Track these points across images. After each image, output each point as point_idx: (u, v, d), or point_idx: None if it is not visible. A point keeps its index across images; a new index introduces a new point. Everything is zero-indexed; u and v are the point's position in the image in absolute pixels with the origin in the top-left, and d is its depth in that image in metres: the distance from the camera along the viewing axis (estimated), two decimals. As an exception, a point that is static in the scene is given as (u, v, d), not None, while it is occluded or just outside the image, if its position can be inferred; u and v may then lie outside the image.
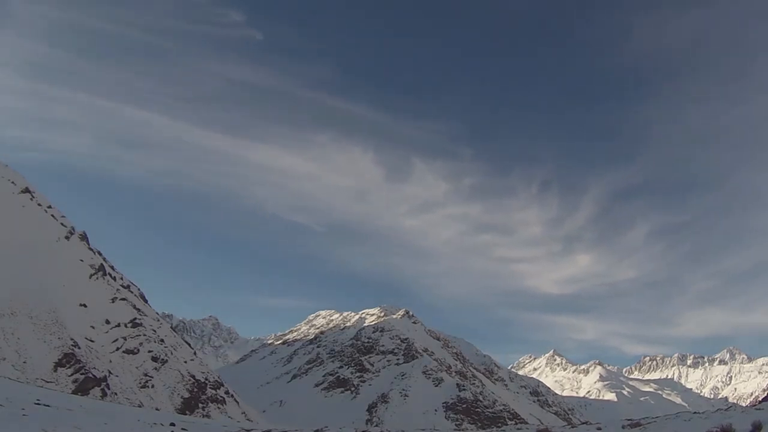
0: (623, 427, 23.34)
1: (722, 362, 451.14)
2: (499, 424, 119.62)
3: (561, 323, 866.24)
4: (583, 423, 43.01)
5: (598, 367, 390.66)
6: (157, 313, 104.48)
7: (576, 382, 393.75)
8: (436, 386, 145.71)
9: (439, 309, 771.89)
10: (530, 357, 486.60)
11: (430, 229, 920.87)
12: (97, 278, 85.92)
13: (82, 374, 64.59)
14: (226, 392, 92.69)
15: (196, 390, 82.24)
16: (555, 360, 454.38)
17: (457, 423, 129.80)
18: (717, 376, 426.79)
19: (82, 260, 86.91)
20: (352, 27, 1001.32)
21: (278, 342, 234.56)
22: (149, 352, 79.76)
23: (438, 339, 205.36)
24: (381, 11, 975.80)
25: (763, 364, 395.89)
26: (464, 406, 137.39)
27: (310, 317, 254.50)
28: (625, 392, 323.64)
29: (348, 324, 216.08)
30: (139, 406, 60.67)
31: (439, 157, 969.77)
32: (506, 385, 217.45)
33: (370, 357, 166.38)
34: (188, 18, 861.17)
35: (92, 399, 51.70)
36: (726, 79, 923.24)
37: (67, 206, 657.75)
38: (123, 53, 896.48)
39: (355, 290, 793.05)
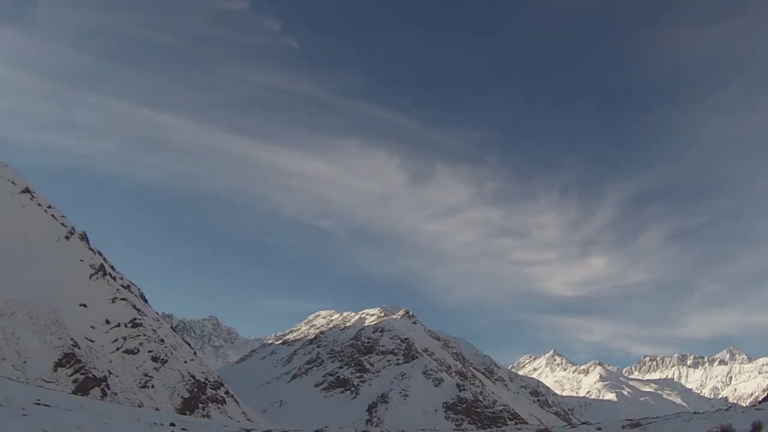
0: (623, 427, 23.33)
1: (722, 362, 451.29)
2: (499, 424, 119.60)
3: (570, 325, 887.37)
4: (583, 423, 43.00)
5: (598, 368, 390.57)
6: (157, 313, 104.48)
7: (576, 382, 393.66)
8: (436, 386, 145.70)
9: (450, 311, 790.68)
10: (530, 357, 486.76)
11: (449, 232, 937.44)
12: (97, 278, 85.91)
13: (82, 374, 64.58)
14: (226, 392, 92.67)
15: (196, 390, 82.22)
16: (555, 360, 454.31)
17: (457, 423, 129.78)
18: (717, 376, 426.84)
19: (82, 260, 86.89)
20: (384, 35, 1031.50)
21: (278, 342, 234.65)
22: (149, 352, 79.74)
23: (438, 339, 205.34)
24: (412, 21, 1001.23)
25: (763, 365, 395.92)
26: (464, 406, 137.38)
27: (310, 317, 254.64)
28: (625, 392, 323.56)
29: (348, 324, 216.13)
30: (139, 406, 60.67)
31: (463, 162, 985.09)
32: (506, 385, 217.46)
33: (370, 357, 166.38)
34: (223, 25, 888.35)
35: (92, 399, 51.71)
36: (746, 90, 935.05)
37: (80, 208, 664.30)
38: (152, 59, 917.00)
39: (366, 292, 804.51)
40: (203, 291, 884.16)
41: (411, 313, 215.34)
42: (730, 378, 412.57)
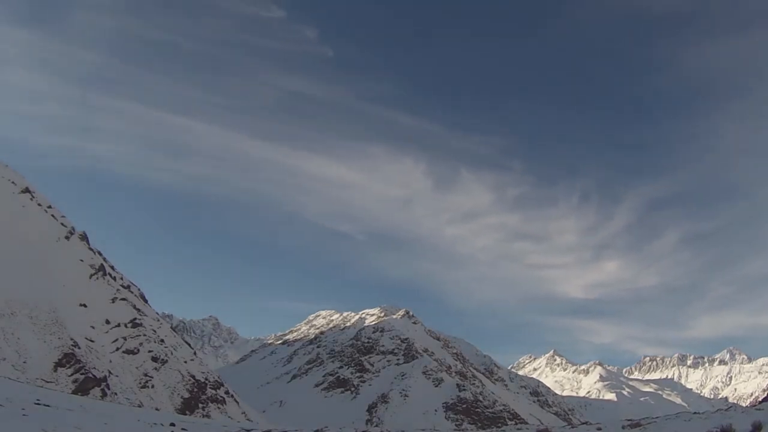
0: (623, 427, 23.32)
1: (722, 362, 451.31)
2: (499, 425, 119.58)
3: (579, 327, 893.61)
4: (583, 423, 43.00)
5: (598, 368, 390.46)
6: (157, 313, 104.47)
7: (576, 382, 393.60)
8: (436, 386, 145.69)
9: (463, 312, 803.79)
10: (530, 357, 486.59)
11: (468, 236, 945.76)
12: (97, 278, 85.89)
13: (82, 374, 64.56)
14: (226, 392, 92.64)
15: (196, 390, 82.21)
16: (555, 360, 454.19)
17: (457, 423, 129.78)
18: (717, 376, 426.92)
19: (82, 260, 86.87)
20: (416, 44, 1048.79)
21: (278, 342, 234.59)
22: (149, 352, 79.73)
23: (438, 339, 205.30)
24: (443, 29, 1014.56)
25: (763, 365, 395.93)
26: (464, 406, 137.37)
27: (310, 317, 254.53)
28: (625, 392, 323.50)
29: (348, 324, 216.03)
30: (139, 406, 60.66)
31: (488, 168, 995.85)
32: (506, 386, 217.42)
33: (370, 357, 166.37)
34: (256, 33, 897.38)
35: (92, 399, 51.71)
36: (763, 99, 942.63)
37: (84, 209, 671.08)
38: (178, 64, 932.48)
39: (378, 294, 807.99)
40: (203, 291, 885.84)
41: (411, 313, 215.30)
42: (730, 378, 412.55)
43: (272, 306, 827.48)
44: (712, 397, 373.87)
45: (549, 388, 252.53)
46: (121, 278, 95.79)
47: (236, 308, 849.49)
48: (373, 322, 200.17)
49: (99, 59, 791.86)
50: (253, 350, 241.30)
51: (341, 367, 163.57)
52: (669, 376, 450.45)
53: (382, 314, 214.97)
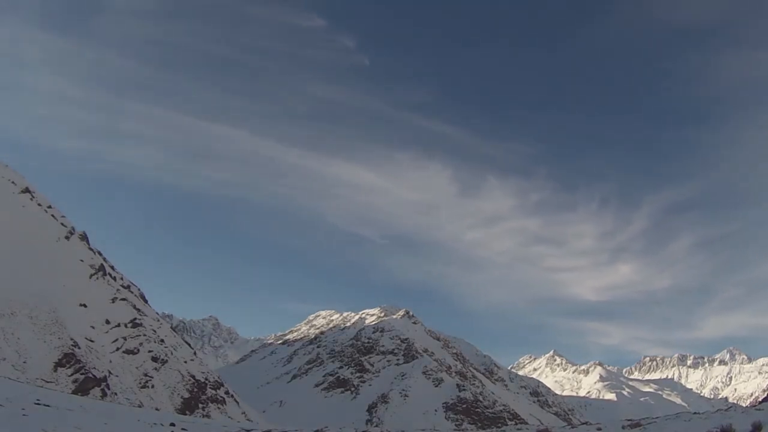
0: (623, 427, 23.32)
1: (722, 363, 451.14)
2: (499, 425, 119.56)
3: (589, 328, 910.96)
4: (583, 423, 42.99)
5: (598, 368, 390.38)
6: (157, 313, 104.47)
7: (576, 382, 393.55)
8: (436, 386, 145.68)
9: (472, 314, 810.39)
10: (530, 357, 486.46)
11: (487, 241, 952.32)
12: (97, 278, 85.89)
13: (82, 374, 64.55)
14: (226, 392, 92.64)
15: (196, 390, 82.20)
16: (555, 360, 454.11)
17: (457, 423, 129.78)
18: (717, 376, 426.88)
19: (82, 260, 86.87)
20: (447, 53, 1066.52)
21: (278, 342, 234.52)
22: (149, 352, 79.70)
23: (438, 339, 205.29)
24: (477, 40, 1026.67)
25: (763, 365, 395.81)
26: (464, 406, 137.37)
27: (310, 317, 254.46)
28: (625, 392, 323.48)
29: (348, 324, 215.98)
30: (139, 406, 60.65)
31: (513, 175, 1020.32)
32: (506, 386, 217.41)
33: (370, 357, 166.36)
34: (296, 42, 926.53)
35: (92, 399, 51.71)
36: None
37: (85, 209, 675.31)
38: (209, 70, 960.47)
39: (387, 295, 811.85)
40: (203, 291, 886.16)
41: (411, 313, 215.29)
42: (730, 378, 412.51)
43: (272, 306, 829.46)
44: (712, 397, 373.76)
45: (549, 388, 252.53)
46: (121, 278, 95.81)
47: (236, 308, 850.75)
48: (373, 322, 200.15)
49: (128, 64, 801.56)
50: (253, 350, 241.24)
51: (341, 367, 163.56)
52: (669, 377, 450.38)
53: (382, 314, 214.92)
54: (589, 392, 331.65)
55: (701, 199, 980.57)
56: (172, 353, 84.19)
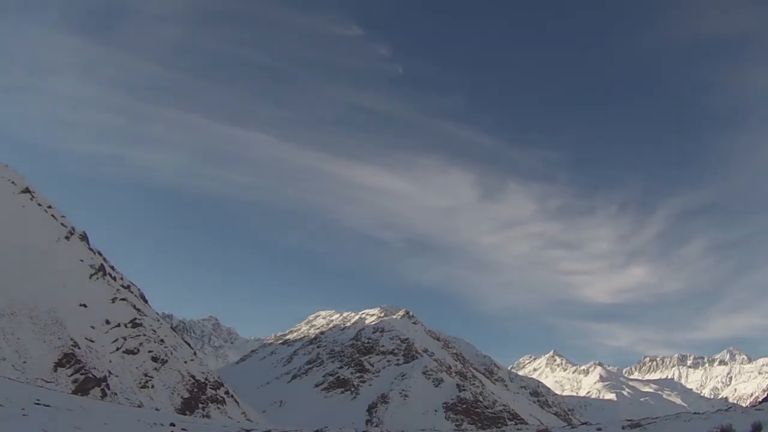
0: (623, 427, 23.33)
1: (722, 363, 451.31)
2: (499, 425, 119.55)
3: (600, 330, 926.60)
4: (583, 423, 43.00)
5: (598, 368, 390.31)
6: (157, 313, 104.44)
7: (576, 382, 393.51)
8: (436, 386, 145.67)
9: (488, 316, 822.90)
10: (530, 357, 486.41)
11: (505, 244, 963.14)
12: (97, 278, 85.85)
13: (82, 374, 64.53)
14: (226, 392, 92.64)
15: (196, 390, 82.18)
16: (555, 360, 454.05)
17: (457, 423, 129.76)
18: (717, 376, 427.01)
19: (82, 260, 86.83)
20: (481, 62, 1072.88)
21: (278, 342, 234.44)
22: (149, 352, 79.68)
23: (438, 339, 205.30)
24: (507, 49, 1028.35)
25: (763, 365, 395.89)
26: (464, 406, 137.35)
27: (310, 317, 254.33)
28: (625, 393, 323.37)
29: (348, 324, 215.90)
30: (139, 406, 60.65)
31: (535, 180, 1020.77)
32: (506, 386, 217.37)
33: (370, 357, 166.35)
34: (332, 50, 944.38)
35: (92, 399, 51.72)
36: None
37: (92, 210, 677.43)
38: (238, 75, 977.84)
39: (395, 297, 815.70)
40: (203, 291, 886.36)
41: (411, 313, 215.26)
42: (730, 378, 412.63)
43: (272, 306, 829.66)
44: (712, 397, 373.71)
45: (549, 388, 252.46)
46: (121, 278, 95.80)
47: (236, 308, 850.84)
48: (373, 323, 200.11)
49: (155, 69, 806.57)
50: (253, 350, 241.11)
51: (341, 367, 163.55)
52: (669, 377, 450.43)
53: (382, 314, 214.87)
54: (589, 392, 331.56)
55: (715, 205, 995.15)
56: (172, 353, 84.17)
